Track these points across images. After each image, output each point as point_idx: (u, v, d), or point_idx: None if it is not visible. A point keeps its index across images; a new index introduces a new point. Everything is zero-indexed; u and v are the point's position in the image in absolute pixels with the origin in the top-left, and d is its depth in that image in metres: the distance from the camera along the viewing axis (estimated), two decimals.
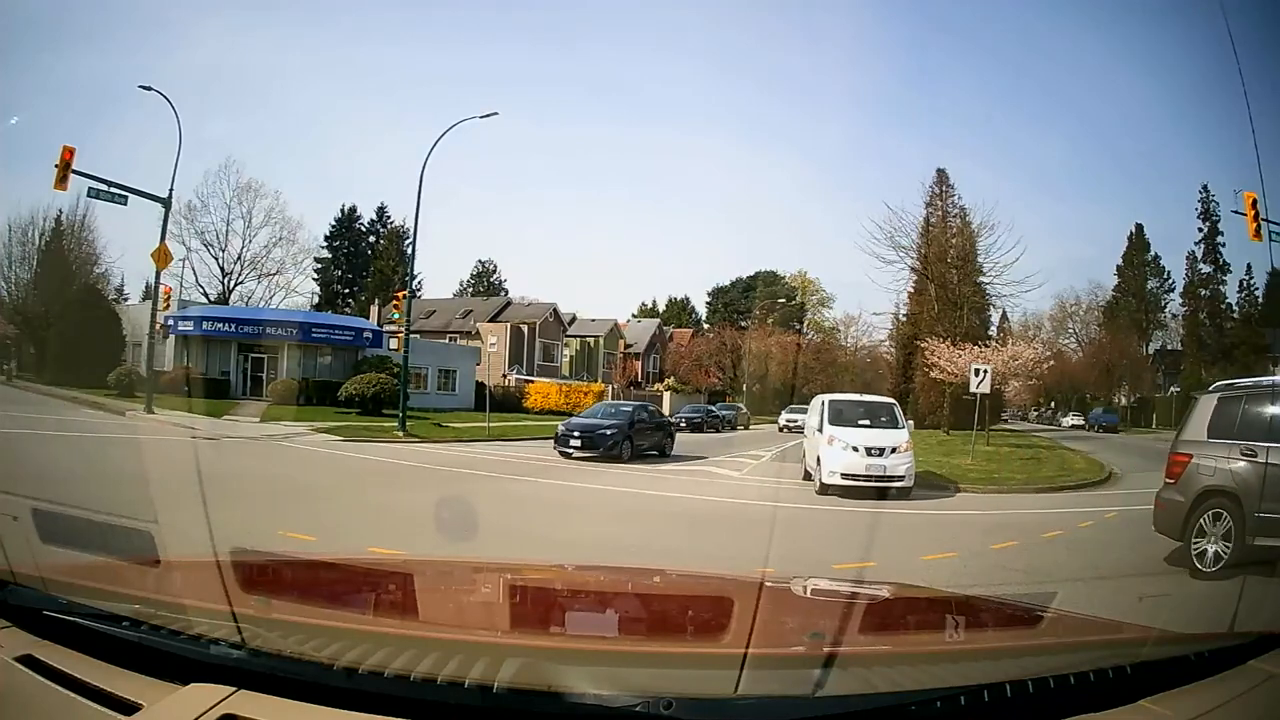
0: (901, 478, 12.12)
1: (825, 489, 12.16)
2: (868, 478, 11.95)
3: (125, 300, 42.04)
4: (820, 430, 12.82)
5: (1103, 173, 70.56)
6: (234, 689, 1.28)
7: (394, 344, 29.85)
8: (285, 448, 16.12)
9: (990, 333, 37.26)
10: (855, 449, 12.12)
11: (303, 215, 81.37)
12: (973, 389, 18.56)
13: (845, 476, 11.98)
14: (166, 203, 21.49)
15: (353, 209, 58.26)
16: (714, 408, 36.80)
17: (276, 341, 30.49)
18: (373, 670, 1.26)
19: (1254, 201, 17.20)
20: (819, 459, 12.54)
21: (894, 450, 12.21)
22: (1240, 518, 6.52)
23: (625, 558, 6.85)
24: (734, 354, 51.92)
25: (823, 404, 13.62)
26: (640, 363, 57.54)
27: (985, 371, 18.64)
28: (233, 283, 41.88)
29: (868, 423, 12.91)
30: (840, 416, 13.16)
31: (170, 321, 26.90)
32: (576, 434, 16.99)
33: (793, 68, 79.95)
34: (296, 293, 47.53)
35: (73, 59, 52.86)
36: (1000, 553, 7.93)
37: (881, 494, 11.84)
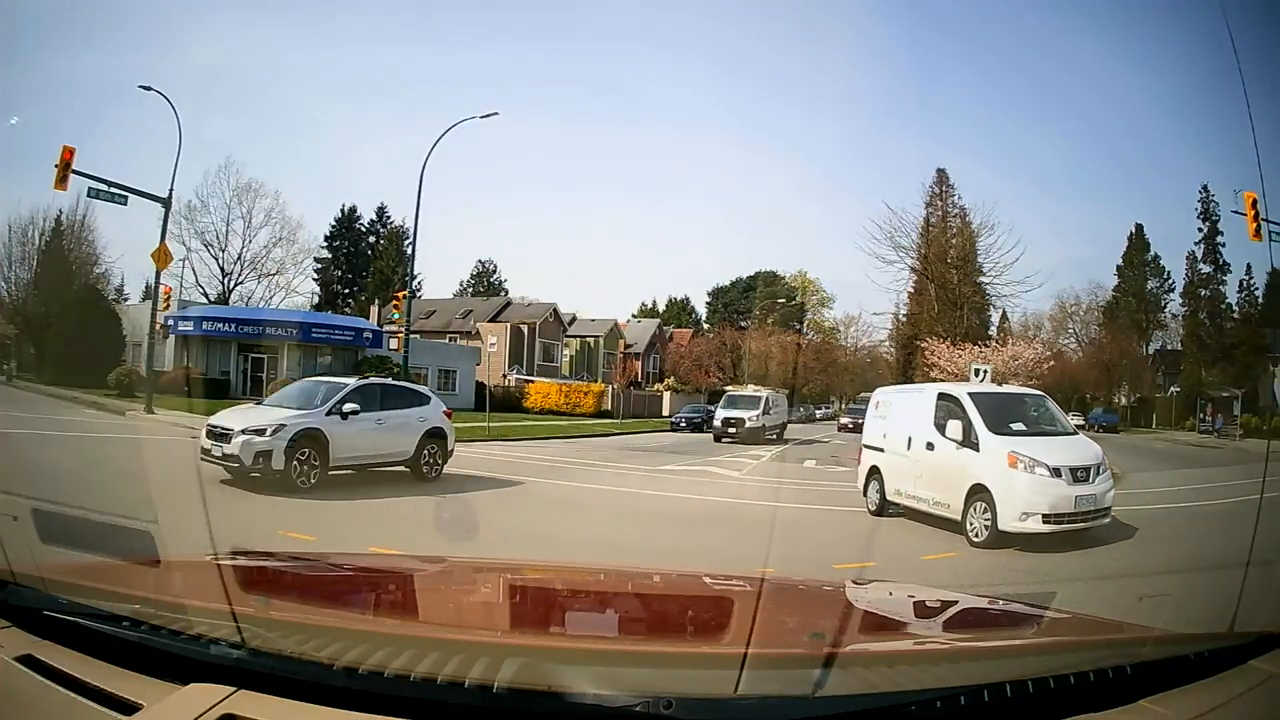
0: (1108, 510, 8.54)
1: (1001, 539, 7.99)
2: (1075, 516, 8.10)
3: (125, 300, 42.00)
4: (971, 443, 8.67)
5: (1103, 173, 70.27)
6: (234, 689, 1.28)
7: (394, 344, 29.87)
8: None
9: (990, 333, 37.23)
10: (1057, 473, 8.15)
11: (303, 215, 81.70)
12: None
13: (1050, 519, 7.91)
14: (166, 203, 21.48)
15: (353, 209, 58.29)
16: (714, 408, 36.77)
17: (276, 341, 30.49)
18: (373, 670, 1.26)
19: (1254, 201, 17.21)
20: (987, 489, 8.24)
21: (1099, 470, 8.54)
22: None
23: (625, 558, 6.85)
24: (734, 354, 51.87)
25: (963, 400, 9.10)
26: (640, 363, 57.51)
27: (985, 371, 18.60)
28: (233, 283, 41.90)
29: (1023, 427, 9.01)
30: (1002, 421, 8.89)
31: (170, 321, 26.89)
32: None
33: (793, 68, 79.93)
34: (296, 293, 47.60)
35: (73, 59, 52.81)
36: (1000, 553, 7.92)
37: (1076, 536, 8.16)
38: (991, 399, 9.44)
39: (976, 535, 8.28)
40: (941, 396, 9.58)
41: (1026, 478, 8.13)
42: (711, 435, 25.94)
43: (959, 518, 8.55)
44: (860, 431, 29.92)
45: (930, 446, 9.31)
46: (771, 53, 78.57)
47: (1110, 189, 68.46)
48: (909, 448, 9.68)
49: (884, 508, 10.08)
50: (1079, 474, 8.28)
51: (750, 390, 28.65)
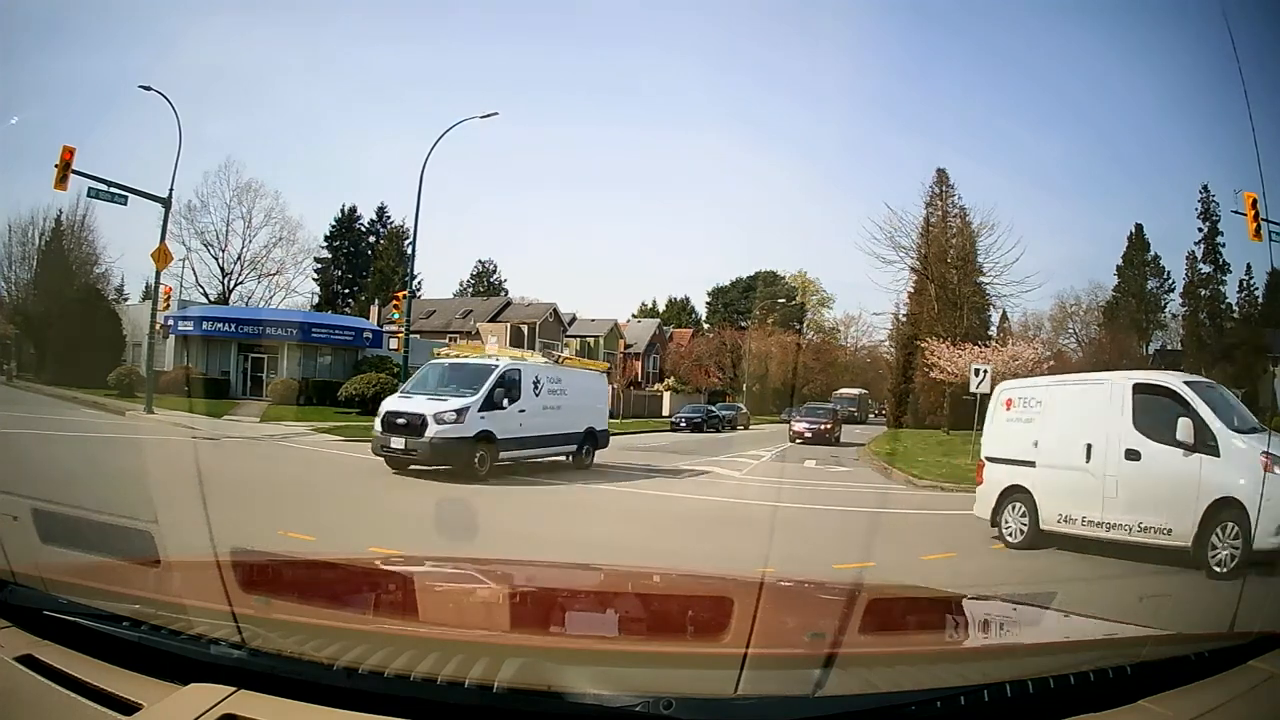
0: None
1: (1271, 557, 6.28)
2: None
3: (125, 300, 41.84)
4: (1206, 447, 6.91)
5: (1103, 173, 70.07)
6: (234, 689, 1.28)
7: (394, 344, 29.82)
8: (285, 448, 16.11)
9: (990, 333, 37.28)
10: None
11: (303, 215, 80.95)
12: (973, 389, 18.50)
13: None
14: (166, 203, 21.48)
15: (353, 209, 58.19)
16: (714, 408, 36.84)
17: (276, 341, 30.49)
18: (373, 670, 1.26)
19: (1254, 201, 17.19)
20: (1238, 504, 6.57)
21: None
22: None
23: (626, 558, 6.85)
24: (734, 354, 51.89)
25: (1184, 393, 7.24)
26: (640, 363, 57.49)
27: (985, 371, 18.60)
28: (233, 283, 41.83)
29: (1238, 423, 7.33)
30: (1227, 417, 7.19)
31: (170, 321, 26.88)
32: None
33: (792, 68, 79.40)
34: (296, 293, 47.55)
35: (73, 59, 52.61)
36: (1000, 553, 7.92)
37: None
38: (1208, 389, 7.46)
39: (1222, 565, 6.49)
40: (1142, 389, 7.49)
41: None
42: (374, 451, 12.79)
43: (1188, 544, 6.76)
44: (825, 442, 23.45)
45: (1133, 455, 7.31)
46: (772, 53, 78.34)
47: (1110, 189, 68.29)
48: (1088, 459, 7.64)
49: (1036, 540, 7.94)
50: None
51: (476, 357, 14.09)
